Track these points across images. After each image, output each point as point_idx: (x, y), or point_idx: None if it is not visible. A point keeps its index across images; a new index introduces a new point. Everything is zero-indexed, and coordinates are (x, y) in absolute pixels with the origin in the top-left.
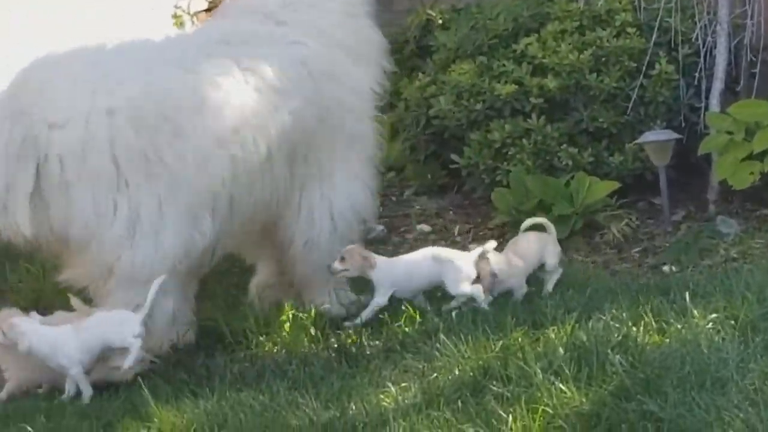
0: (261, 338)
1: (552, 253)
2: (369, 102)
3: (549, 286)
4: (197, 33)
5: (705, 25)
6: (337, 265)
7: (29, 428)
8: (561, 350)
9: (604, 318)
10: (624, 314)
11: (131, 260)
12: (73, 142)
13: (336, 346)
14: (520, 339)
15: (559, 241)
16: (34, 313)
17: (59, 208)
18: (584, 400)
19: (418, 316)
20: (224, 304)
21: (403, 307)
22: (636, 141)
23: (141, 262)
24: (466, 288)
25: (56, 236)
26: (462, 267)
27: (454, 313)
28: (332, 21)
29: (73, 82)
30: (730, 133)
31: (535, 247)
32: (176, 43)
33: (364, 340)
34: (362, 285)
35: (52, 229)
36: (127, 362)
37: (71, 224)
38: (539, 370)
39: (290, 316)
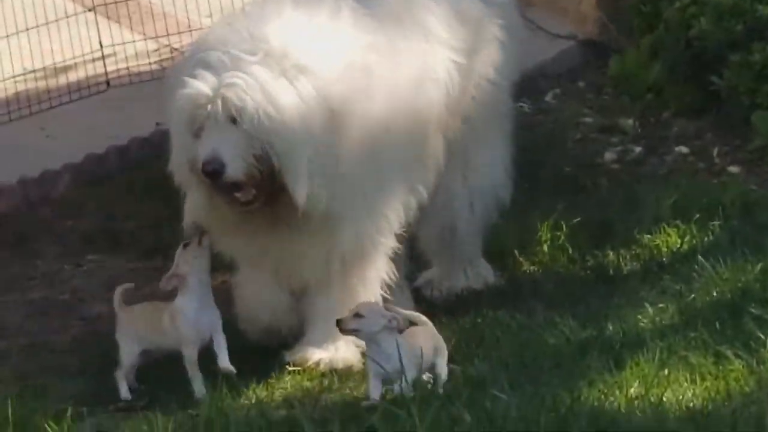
0: (519, 257)
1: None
2: (508, 82)
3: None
4: None
5: None
6: (350, 322)
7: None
8: None
9: None
10: None
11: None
12: (350, 99)
13: (594, 266)
14: None
15: None
16: None
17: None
18: None
19: (675, 238)
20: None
21: (660, 228)
22: None
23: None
24: None
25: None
26: None
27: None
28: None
29: (325, 30)
30: None
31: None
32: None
33: (622, 261)
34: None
35: None
36: None
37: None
38: None
39: (548, 235)
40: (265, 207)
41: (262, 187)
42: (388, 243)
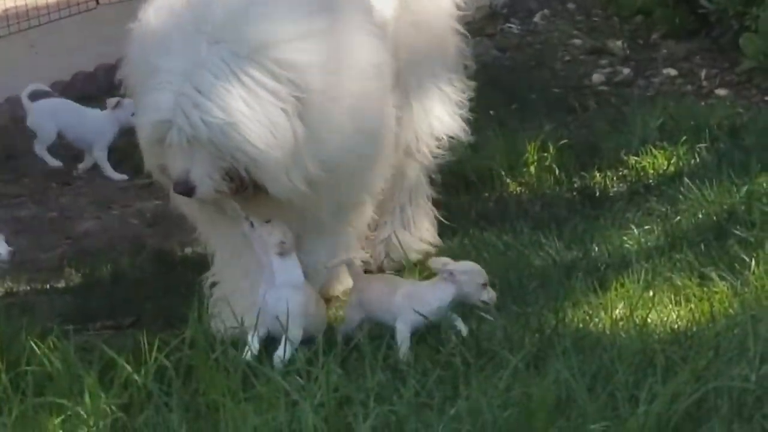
0: (506, 179)
1: None
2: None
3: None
4: None
5: None
6: None
7: None
8: None
9: None
10: None
11: None
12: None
13: (580, 187)
14: (765, 184)
15: None
16: None
17: None
18: None
19: (662, 160)
20: (468, 144)
21: (647, 150)
22: None
23: None
24: None
25: None
26: None
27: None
28: None
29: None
30: None
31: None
32: None
33: (608, 182)
34: None
35: None
36: None
37: None
38: None
39: (535, 157)
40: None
41: (246, 182)
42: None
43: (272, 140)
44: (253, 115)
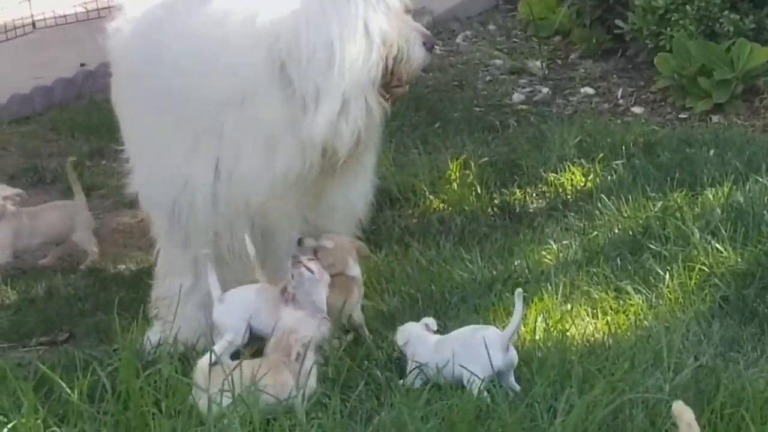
0: (429, 195)
1: None
2: None
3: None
4: None
5: None
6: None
7: None
8: (718, 211)
9: (761, 180)
10: None
11: None
12: None
13: (501, 204)
14: (678, 200)
15: (719, 105)
16: None
17: None
18: (739, 259)
19: (580, 177)
20: (392, 162)
21: (565, 167)
22: None
23: None
24: None
25: None
26: None
27: (614, 173)
28: None
29: None
30: None
31: None
32: None
33: (528, 199)
34: None
35: None
36: None
37: None
38: (696, 230)
39: (458, 174)
40: None
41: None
42: None
43: None
44: None
